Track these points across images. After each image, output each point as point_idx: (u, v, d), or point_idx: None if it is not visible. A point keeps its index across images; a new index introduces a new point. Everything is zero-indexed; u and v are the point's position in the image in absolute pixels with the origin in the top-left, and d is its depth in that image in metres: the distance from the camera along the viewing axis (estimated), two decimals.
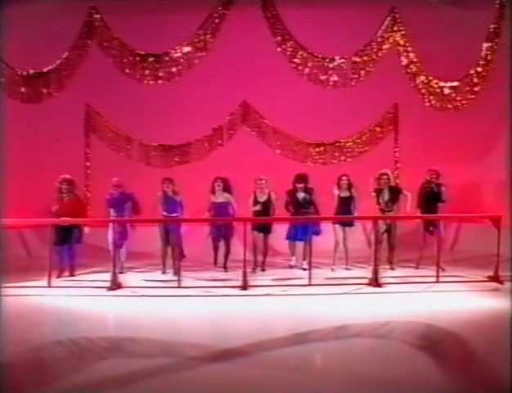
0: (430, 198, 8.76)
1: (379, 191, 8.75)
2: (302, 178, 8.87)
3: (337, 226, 8.86)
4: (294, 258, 9.13)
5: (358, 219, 9.27)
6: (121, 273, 8.35)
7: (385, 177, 8.73)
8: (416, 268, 8.86)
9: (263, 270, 8.85)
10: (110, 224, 8.37)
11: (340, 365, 4.91)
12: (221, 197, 8.77)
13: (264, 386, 4.42)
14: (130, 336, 5.64)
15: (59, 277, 8.21)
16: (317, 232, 8.75)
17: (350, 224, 8.93)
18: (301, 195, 8.82)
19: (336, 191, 8.83)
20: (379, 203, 8.72)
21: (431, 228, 8.71)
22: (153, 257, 9.24)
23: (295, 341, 5.57)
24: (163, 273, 8.69)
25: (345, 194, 8.80)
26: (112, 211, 8.54)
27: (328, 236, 8.98)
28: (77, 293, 7.34)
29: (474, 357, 5.10)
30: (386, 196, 8.72)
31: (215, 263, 9.09)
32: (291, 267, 9.06)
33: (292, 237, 9.01)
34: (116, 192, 8.50)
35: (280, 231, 9.13)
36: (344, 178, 8.82)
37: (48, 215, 8.25)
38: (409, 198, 8.70)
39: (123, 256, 8.64)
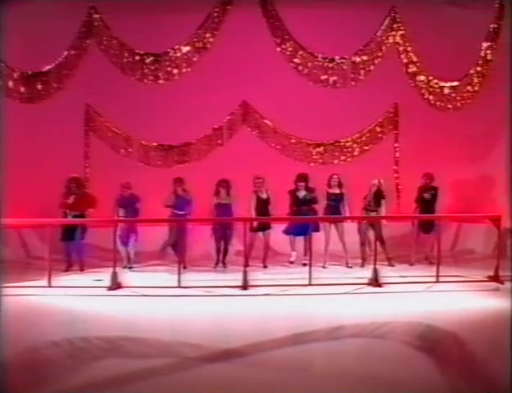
0: (428, 202, 9.14)
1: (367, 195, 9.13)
2: (303, 177, 9.14)
3: (327, 224, 9.07)
4: (294, 253, 9.26)
5: (353, 218, 9.36)
6: (130, 268, 9.02)
7: (375, 186, 9.07)
8: (411, 265, 9.13)
9: (265, 267, 9.09)
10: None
11: (340, 365, 4.91)
12: (225, 199, 9.06)
13: (264, 386, 4.43)
14: (130, 336, 5.63)
15: (66, 271, 8.70)
16: (317, 229, 8.96)
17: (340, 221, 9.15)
18: (301, 193, 9.10)
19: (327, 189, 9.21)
20: (364, 203, 9.12)
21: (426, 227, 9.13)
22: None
23: (295, 341, 5.56)
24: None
25: (334, 191, 9.11)
26: (120, 211, 9.02)
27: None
28: (77, 293, 7.34)
29: (474, 357, 5.09)
30: (370, 196, 9.07)
31: (216, 264, 9.21)
32: (291, 263, 9.21)
33: (291, 231, 9.17)
34: (126, 193, 8.99)
35: (278, 230, 9.28)
36: (335, 176, 9.16)
37: (52, 212, 8.65)
38: (384, 206, 9.10)
39: (131, 253, 9.10)
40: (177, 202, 9.02)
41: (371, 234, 8.83)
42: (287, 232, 9.26)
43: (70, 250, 8.93)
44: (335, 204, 9.11)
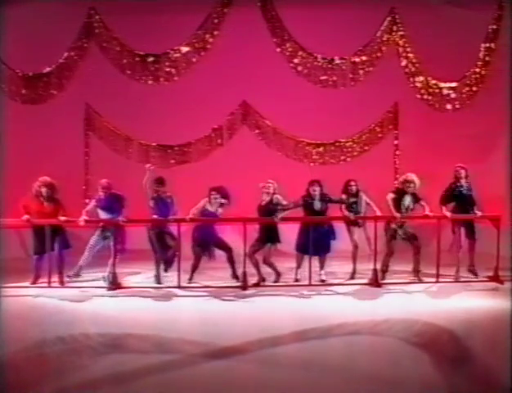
0: (461, 200, 7.99)
1: (401, 195, 7.88)
2: (316, 182, 7.92)
3: (353, 228, 8.17)
4: (299, 271, 8.00)
5: (361, 218, 8.19)
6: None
7: (412, 185, 7.83)
8: (457, 279, 7.94)
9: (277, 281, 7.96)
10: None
11: (339, 363, 4.93)
12: (214, 207, 7.86)
13: (263, 383, 4.45)
14: (130, 334, 5.65)
15: (33, 283, 7.61)
16: (334, 238, 8.04)
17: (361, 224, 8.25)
18: (317, 205, 7.85)
19: (344, 196, 8.18)
20: (399, 209, 7.79)
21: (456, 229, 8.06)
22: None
23: (295, 339, 5.59)
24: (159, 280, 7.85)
25: (353, 199, 8.17)
26: (101, 214, 7.84)
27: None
28: (76, 293, 7.35)
29: (474, 357, 5.11)
30: (407, 201, 7.86)
31: (190, 278, 7.83)
32: (297, 280, 7.96)
33: (302, 249, 7.94)
34: (103, 194, 7.80)
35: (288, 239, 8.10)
36: (353, 183, 8.19)
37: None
38: (426, 209, 7.83)
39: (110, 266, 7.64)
40: (159, 206, 7.81)
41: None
42: (296, 248, 8.02)
43: (43, 263, 7.68)
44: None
